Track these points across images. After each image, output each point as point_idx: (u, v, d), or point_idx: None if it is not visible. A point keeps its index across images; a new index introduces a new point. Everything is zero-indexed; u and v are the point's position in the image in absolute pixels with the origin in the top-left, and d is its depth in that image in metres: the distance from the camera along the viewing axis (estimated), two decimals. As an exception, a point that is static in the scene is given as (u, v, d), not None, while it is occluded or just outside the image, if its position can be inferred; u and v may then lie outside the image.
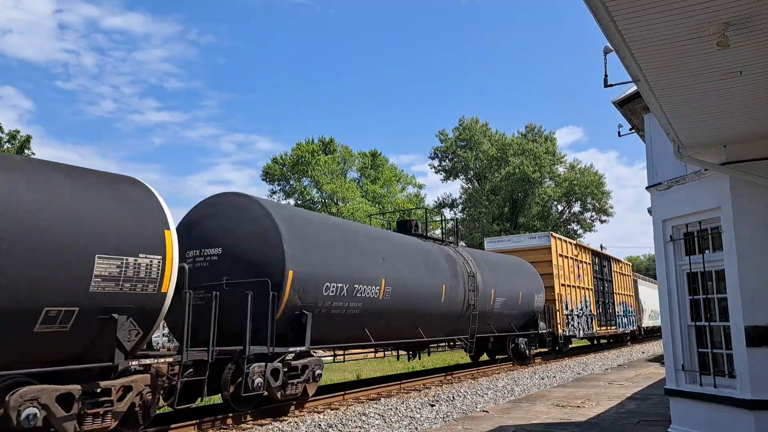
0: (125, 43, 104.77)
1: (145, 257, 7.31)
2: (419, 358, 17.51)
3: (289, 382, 10.30)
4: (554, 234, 23.77)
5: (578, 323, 24.60)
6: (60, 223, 6.62)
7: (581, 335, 25.15)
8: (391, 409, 10.94)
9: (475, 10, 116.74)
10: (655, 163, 8.10)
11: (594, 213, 59.97)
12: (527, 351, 20.07)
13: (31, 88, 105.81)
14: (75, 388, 6.83)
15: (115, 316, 7.00)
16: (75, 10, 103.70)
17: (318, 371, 10.97)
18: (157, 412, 8.49)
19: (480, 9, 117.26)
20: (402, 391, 13.75)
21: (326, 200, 51.17)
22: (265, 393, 9.86)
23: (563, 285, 23.44)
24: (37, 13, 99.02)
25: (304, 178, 52.96)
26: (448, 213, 58.76)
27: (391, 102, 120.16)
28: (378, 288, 12.41)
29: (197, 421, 9.06)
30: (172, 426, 8.72)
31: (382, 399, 12.41)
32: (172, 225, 7.90)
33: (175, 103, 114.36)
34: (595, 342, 32.49)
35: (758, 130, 6.37)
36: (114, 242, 7.02)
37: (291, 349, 10.39)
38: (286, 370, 10.21)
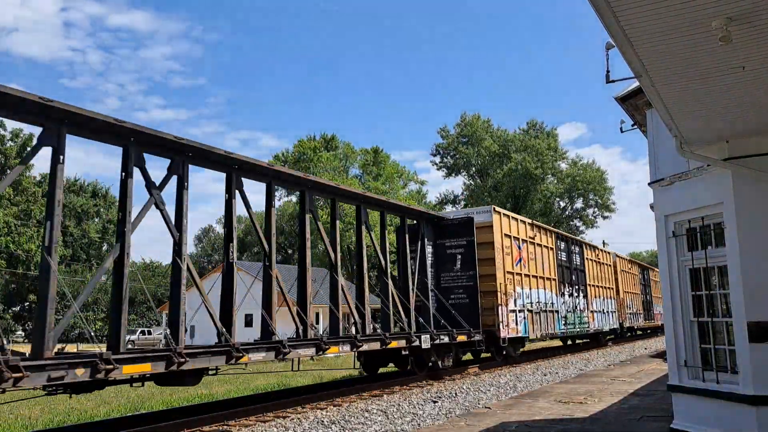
0: (130, 40, 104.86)
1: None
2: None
3: None
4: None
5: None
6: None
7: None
8: (393, 406, 10.96)
9: (477, 6, 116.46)
10: (657, 159, 8.08)
11: (596, 209, 59.90)
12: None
13: (36, 86, 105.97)
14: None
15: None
16: (80, 8, 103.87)
17: None
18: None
19: (483, 5, 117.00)
20: (404, 387, 13.78)
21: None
22: None
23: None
24: (42, 11, 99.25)
25: (305, 175, 52.89)
26: (450, 209, 58.68)
27: (393, 99, 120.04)
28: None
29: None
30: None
31: (385, 395, 12.44)
32: None
33: (180, 101, 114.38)
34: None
35: (761, 125, 6.35)
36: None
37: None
38: None
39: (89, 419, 10.95)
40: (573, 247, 25.32)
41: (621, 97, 8.54)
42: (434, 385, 14.21)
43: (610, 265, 30.81)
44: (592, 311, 26.19)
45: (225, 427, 9.31)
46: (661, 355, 21.03)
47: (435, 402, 11.44)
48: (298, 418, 9.83)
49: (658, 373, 15.10)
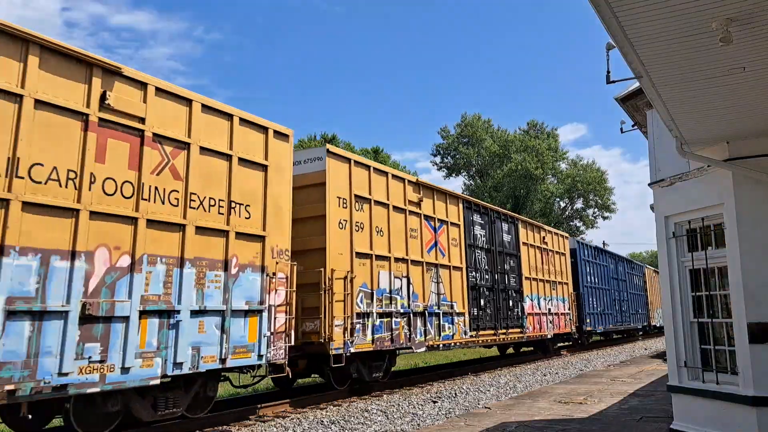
0: (132, 40, 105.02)
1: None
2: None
3: None
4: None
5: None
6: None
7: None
8: (393, 406, 10.96)
9: (479, 7, 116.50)
10: (657, 160, 8.08)
11: (596, 209, 59.90)
12: None
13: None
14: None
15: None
16: (82, 8, 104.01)
17: None
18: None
19: (484, 5, 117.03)
20: (404, 387, 13.78)
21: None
22: None
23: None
24: (44, 10, 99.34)
25: (306, 175, 52.79)
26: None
27: (393, 98, 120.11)
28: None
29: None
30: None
31: (385, 395, 12.43)
32: None
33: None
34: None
35: (761, 126, 6.35)
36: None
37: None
38: None
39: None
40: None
41: (621, 98, 8.55)
42: (434, 385, 14.21)
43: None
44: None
45: (225, 427, 9.30)
46: (660, 355, 21.03)
47: (435, 402, 11.44)
48: (298, 418, 9.83)
49: (658, 373, 15.10)
